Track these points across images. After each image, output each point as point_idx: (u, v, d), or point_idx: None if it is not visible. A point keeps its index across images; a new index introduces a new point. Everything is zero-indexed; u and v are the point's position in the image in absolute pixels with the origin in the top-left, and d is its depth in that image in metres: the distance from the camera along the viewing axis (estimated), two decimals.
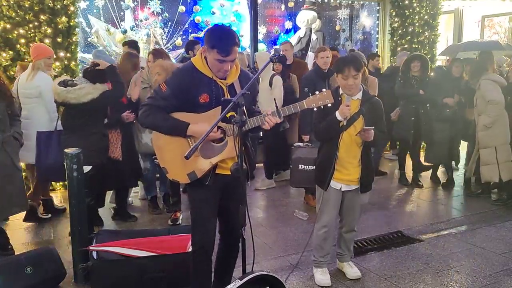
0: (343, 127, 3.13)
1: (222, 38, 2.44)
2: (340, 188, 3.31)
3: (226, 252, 2.87)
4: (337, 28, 9.39)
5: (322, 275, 3.41)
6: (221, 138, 2.55)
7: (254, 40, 7.77)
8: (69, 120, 3.99)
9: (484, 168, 5.18)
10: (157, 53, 4.75)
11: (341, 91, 3.22)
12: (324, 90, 2.51)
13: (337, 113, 3.09)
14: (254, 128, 2.52)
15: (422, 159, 6.29)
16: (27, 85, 4.48)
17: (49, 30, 5.42)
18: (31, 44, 5.29)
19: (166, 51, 7.25)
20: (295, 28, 8.85)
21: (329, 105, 2.51)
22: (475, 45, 6.33)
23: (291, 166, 4.93)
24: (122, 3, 7.13)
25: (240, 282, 2.36)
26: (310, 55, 8.08)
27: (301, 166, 4.75)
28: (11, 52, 5.25)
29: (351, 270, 3.50)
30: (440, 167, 6.39)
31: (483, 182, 5.38)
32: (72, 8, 5.61)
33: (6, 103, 3.70)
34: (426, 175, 6.43)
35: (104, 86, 3.98)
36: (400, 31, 8.35)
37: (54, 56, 5.00)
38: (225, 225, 2.79)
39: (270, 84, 5.49)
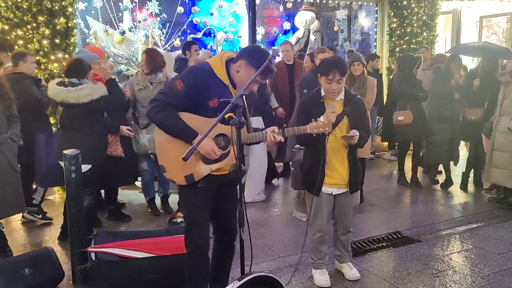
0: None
1: (266, 61, 2.44)
2: (332, 193, 3.29)
3: (222, 251, 2.87)
4: (336, 28, 9.39)
5: (321, 276, 3.41)
6: (225, 146, 2.56)
7: (253, 41, 7.76)
8: (68, 120, 3.98)
9: (496, 171, 5.08)
10: (150, 53, 4.72)
11: (323, 93, 3.19)
12: (326, 118, 2.58)
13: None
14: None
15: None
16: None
17: (47, 31, 5.41)
18: (29, 46, 5.31)
19: (164, 51, 7.28)
20: (294, 29, 8.86)
21: (327, 133, 2.63)
22: (487, 51, 6.18)
23: (292, 169, 4.96)
24: (120, 4, 7.12)
25: (239, 283, 2.35)
26: None
27: None
28: (9, 54, 5.23)
29: (350, 271, 3.50)
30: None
31: (490, 183, 5.36)
32: (70, 9, 5.60)
33: (4, 105, 3.70)
34: (424, 176, 6.44)
35: (104, 89, 3.98)
36: (398, 32, 8.36)
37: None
38: (220, 225, 2.80)
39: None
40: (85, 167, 3.72)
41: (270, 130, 2.52)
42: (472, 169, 6.04)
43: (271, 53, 2.49)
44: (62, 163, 3.94)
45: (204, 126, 2.46)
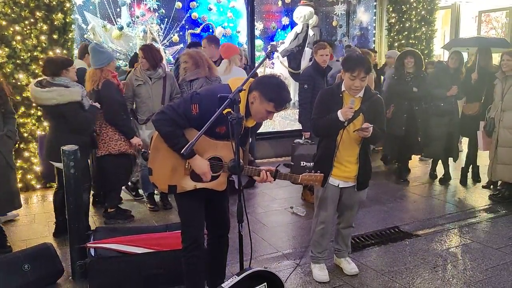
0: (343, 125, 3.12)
1: (282, 94, 2.46)
2: (338, 185, 3.30)
3: (217, 245, 2.91)
4: (334, 23, 9.37)
5: (320, 271, 3.42)
6: (217, 170, 2.58)
7: (251, 36, 7.75)
8: (46, 119, 3.97)
9: (502, 167, 5.03)
10: (147, 49, 4.69)
11: (343, 88, 3.19)
12: (319, 172, 2.66)
13: (339, 114, 3.07)
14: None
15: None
16: (227, 77, 4.81)
17: (45, 27, 5.40)
18: (26, 41, 5.29)
19: (162, 47, 7.27)
20: (292, 24, 8.83)
21: (315, 185, 2.75)
22: (481, 41, 6.26)
23: (292, 163, 4.96)
24: None
25: (238, 278, 2.37)
26: (307, 51, 8.07)
27: (303, 163, 4.80)
28: (6, 49, 5.23)
29: (349, 266, 3.51)
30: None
31: (494, 180, 5.37)
32: (68, 5, 5.59)
33: (0, 103, 3.66)
34: (423, 172, 6.45)
35: (76, 96, 3.82)
36: (397, 27, 8.36)
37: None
38: (214, 218, 2.83)
39: None
40: (59, 165, 3.76)
41: (265, 170, 2.58)
42: (471, 165, 6.05)
43: (269, 49, 2.48)
44: (53, 163, 3.99)
45: (206, 146, 2.50)
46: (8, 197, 3.73)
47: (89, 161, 4.39)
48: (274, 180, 2.61)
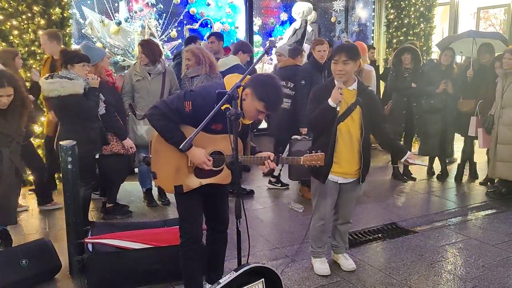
0: (340, 117, 3.09)
1: (274, 96, 2.42)
2: (338, 181, 3.30)
3: (216, 240, 2.91)
4: (333, 19, 9.35)
5: (321, 264, 3.44)
6: (219, 164, 2.58)
7: (250, 32, 7.72)
8: (54, 111, 3.98)
9: (501, 164, 5.02)
10: (146, 44, 4.69)
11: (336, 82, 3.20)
12: (319, 152, 2.63)
13: (329, 100, 3.04)
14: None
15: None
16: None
17: (42, 22, 5.37)
18: (24, 36, 5.26)
19: (160, 42, 7.25)
20: (291, 20, 8.81)
21: (317, 165, 2.65)
22: (472, 33, 6.28)
23: None
24: None
25: (235, 274, 2.37)
26: (306, 47, 8.05)
27: None
28: (4, 44, 5.20)
29: (346, 262, 3.52)
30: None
31: (493, 177, 5.37)
32: None
33: (27, 113, 3.52)
34: (420, 168, 6.45)
35: (78, 88, 3.80)
36: (395, 23, 8.34)
37: None
38: (213, 214, 2.83)
39: None
40: None
41: (266, 156, 2.58)
42: (468, 161, 6.06)
43: (268, 44, 2.47)
44: None
45: (205, 141, 2.48)
46: (13, 209, 3.58)
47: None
48: (277, 165, 2.59)
